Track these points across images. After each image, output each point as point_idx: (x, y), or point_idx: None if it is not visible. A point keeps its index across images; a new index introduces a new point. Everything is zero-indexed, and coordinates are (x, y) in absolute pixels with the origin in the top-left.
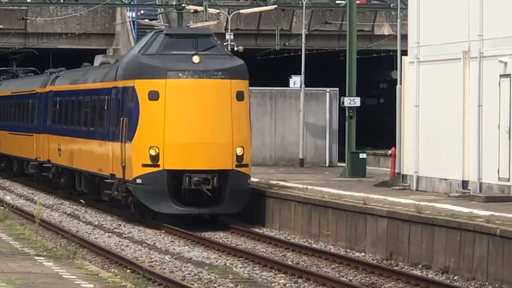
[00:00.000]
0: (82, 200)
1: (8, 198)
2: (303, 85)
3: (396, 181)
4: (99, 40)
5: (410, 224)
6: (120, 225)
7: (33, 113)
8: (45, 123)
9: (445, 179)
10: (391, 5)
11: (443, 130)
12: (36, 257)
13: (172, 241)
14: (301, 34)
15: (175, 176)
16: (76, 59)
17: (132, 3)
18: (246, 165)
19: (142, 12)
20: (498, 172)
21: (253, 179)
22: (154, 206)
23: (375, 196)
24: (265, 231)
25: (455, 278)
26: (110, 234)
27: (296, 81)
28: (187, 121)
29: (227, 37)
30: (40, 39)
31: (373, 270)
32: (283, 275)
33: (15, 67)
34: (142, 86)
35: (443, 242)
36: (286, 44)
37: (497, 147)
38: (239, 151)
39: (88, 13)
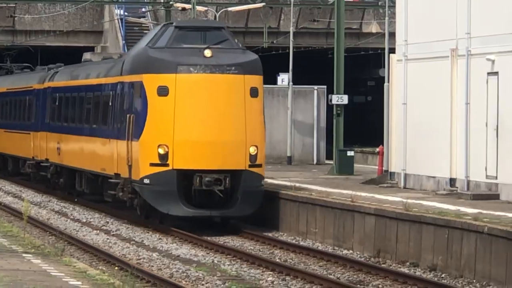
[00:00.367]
0: (76, 199)
1: None
2: (291, 83)
3: (384, 179)
4: (87, 38)
5: (397, 222)
6: (108, 222)
7: (30, 110)
8: (43, 120)
9: (433, 177)
10: (379, 3)
11: (430, 128)
12: (24, 254)
13: (160, 239)
14: (289, 32)
15: (185, 176)
16: (64, 56)
17: (120, 0)
18: (259, 165)
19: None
20: (486, 170)
21: None
22: (162, 207)
23: (363, 194)
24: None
25: (443, 275)
26: (98, 231)
27: (284, 78)
28: (198, 118)
29: None
30: (28, 36)
31: (361, 268)
32: (271, 272)
33: (9, 63)
34: (151, 81)
35: (430, 239)
36: (274, 42)
37: (485, 145)
38: (252, 150)
39: (76, 10)
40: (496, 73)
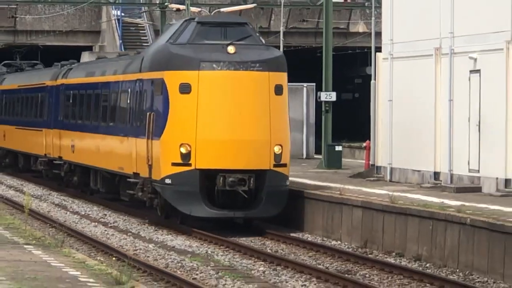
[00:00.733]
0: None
1: None
2: None
3: (371, 173)
4: (85, 38)
5: (384, 214)
6: (106, 214)
7: (42, 107)
8: (56, 117)
9: (418, 171)
10: (366, 4)
11: (415, 123)
12: (25, 246)
13: (156, 230)
14: (279, 32)
15: (208, 176)
16: (63, 55)
17: (117, 1)
18: (284, 165)
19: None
20: (468, 163)
21: None
22: (184, 208)
23: (351, 187)
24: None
25: (427, 265)
26: (96, 223)
27: None
28: (221, 117)
29: None
30: (29, 36)
31: (348, 258)
32: (263, 262)
33: (19, 61)
34: (173, 78)
35: (415, 231)
36: (265, 41)
37: (467, 140)
38: (277, 149)
39: (75, 11)
40: (478, 71)
